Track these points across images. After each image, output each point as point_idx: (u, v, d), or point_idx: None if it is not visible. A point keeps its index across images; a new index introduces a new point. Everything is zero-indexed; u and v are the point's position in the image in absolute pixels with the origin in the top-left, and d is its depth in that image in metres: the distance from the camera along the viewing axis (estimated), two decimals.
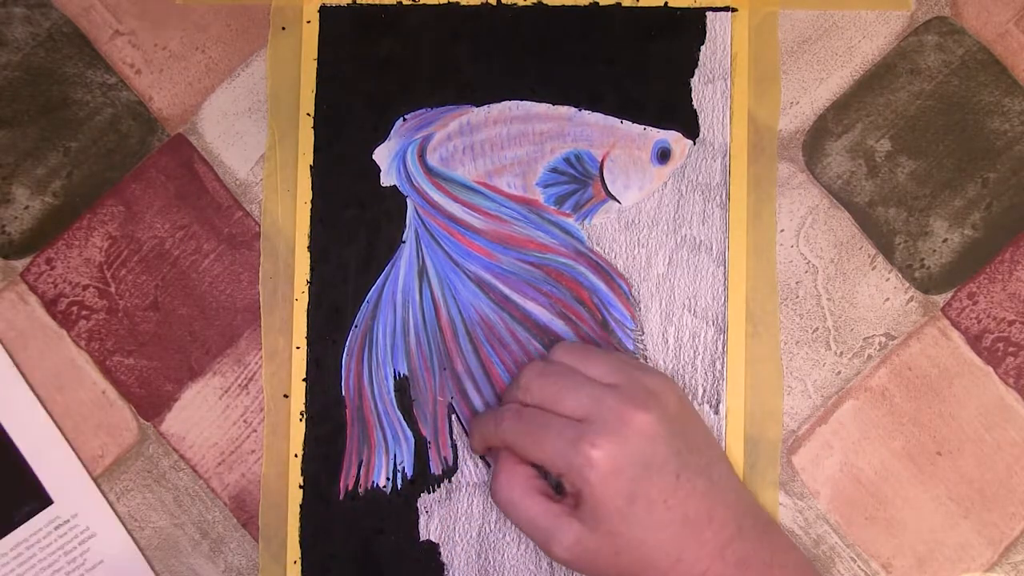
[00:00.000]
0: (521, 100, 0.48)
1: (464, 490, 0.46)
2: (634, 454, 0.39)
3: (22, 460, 0.47)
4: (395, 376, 0.47)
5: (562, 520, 0.39)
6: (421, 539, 0.46)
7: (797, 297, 0.47)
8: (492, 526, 0.46)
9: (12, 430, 0.47)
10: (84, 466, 0.48)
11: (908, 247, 0.47)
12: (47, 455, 0.47)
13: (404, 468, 0.47)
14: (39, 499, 0.47)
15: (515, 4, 0.48)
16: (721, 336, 0.47)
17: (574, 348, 0.43)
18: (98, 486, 0.48)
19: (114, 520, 0.47)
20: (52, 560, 0.47)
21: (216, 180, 0.49)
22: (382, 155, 0.48)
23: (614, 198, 0.47)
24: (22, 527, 0.47)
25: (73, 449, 0.48)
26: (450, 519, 0.46)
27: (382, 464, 0.47)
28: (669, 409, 0.41)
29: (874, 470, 0.46)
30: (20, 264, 0.49)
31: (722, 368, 0.47)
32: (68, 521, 0.47)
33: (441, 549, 0.46)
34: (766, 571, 0.40)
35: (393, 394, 0.47)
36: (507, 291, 0.47)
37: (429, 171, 0.48)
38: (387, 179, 0.48)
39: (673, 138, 0.47)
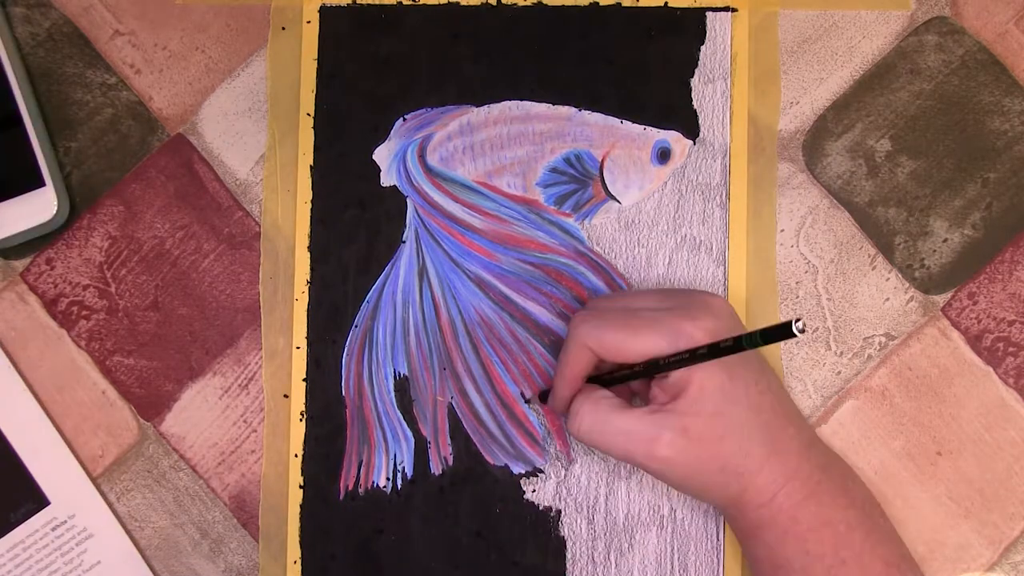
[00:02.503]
0: (521, 100, 0.48)
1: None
2: (723, 333, 0.39)
3: (19, 461, 0.47)
4: (395, 376, 0.47)
5: (662, 416, 0.39)
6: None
7: (797, 297, 0.47)
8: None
9: (9, 431, 0.47)
10: (82, 466, 0.48)
11: (908, 247, 0.47)
12: (44, 456, 0.47)
13: (404, 468, 0.47)
14: (36, 500, 0.47)
15: (515, 4, 0.48)
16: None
17: (610, 294, 0.43)
18: (97, 486, 0.48)
19: (112, 521, 0.47)
20: (49, 561, 0.47)
21: (216, 180, 0.49)
22: (382, 155, 0.48)
23: (614, 198, 0.47)
24: (19, 528, 0.47)
25: (71, 449, 0.48)
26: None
27: (382, 464, 0.47)
28: (731, 312, 0.42)
29: (874, 470, 0.46)
30: (20, 264, 0.49)
31: None
32: (65, 522, 0.47)
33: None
34: (841, 482, 0.41)
35: (393, 394, 0.47)
36: (507, 291, 0.47)
37: (429, 171, 0.48)
38: (387, 179, 0.48)
39: (673, 138, 0.47)
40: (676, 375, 0.39)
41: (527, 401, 0.47)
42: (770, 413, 0.40)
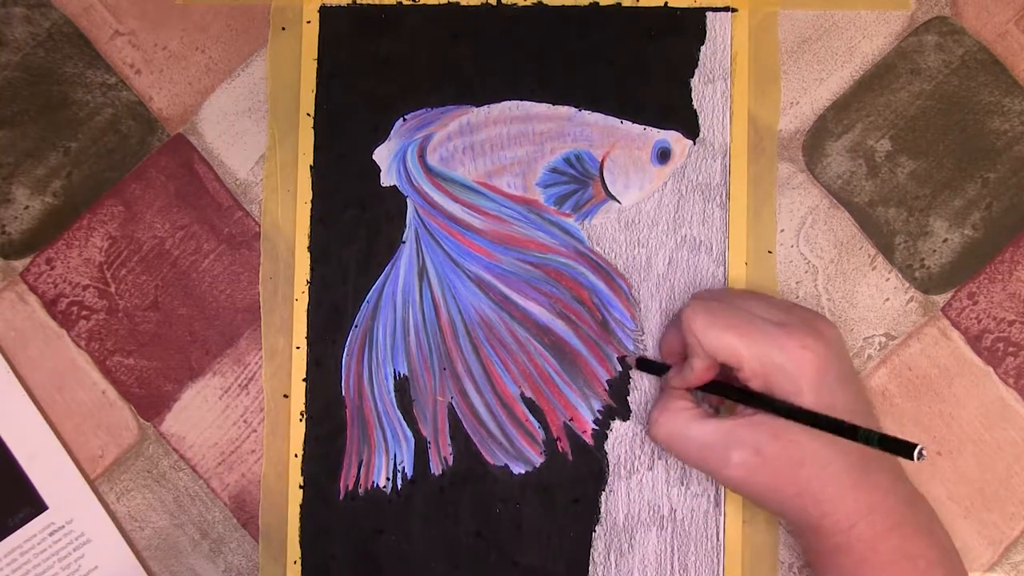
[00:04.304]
0: (521, 100, 0.48)
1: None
2: (833, 362, 0.39)
3: (17, 465, 0.47)
4: (395, 376, 0.47)
5: (739, 431, 0.39)
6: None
7: (797, 297, 0.47)
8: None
9: (7, 435, 0.47)
10: (80, 471, 0.48)
11: (908, 247, 0.47)
12: (42, 460, 0.47)
13: (404, 468, 0.47)
14: (33, 505, 0.47)
15: (515, 4, 0.48)
16: None
17: (724, 290, 0.44)
18: (94, 490, 0.48)
19: (109, 526, 0.47)
20: (47, 566, 0.47)
21: (216, 180, 0.49)
22: (382, 155, 0.48)
23: (614, 198, 0.47)
24: (16, 533, 0.47)
25: (69, 452, 0.48)
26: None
27: (382, 464, 0.47)
28: (842, 343, 0.41)
29: None
30: (20, 264, 0.49)
31: None
32: (63, 527, 0.47)
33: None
34: (926, 520, 0.40)
35: (393, 394, 0.47)
36: (507, 291, 0.47)
37: (429, 171, 0.48)
38: (387, 179, 0.48)
39: (673, 138, 0.47)
40: (763, 390, 0.39)
41: (628, 367, 0.46)
42: (859, 449, 0.38)
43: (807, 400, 0.38)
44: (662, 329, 0.47)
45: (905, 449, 0.34)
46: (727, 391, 0.41)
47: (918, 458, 0.33)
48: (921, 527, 0.39)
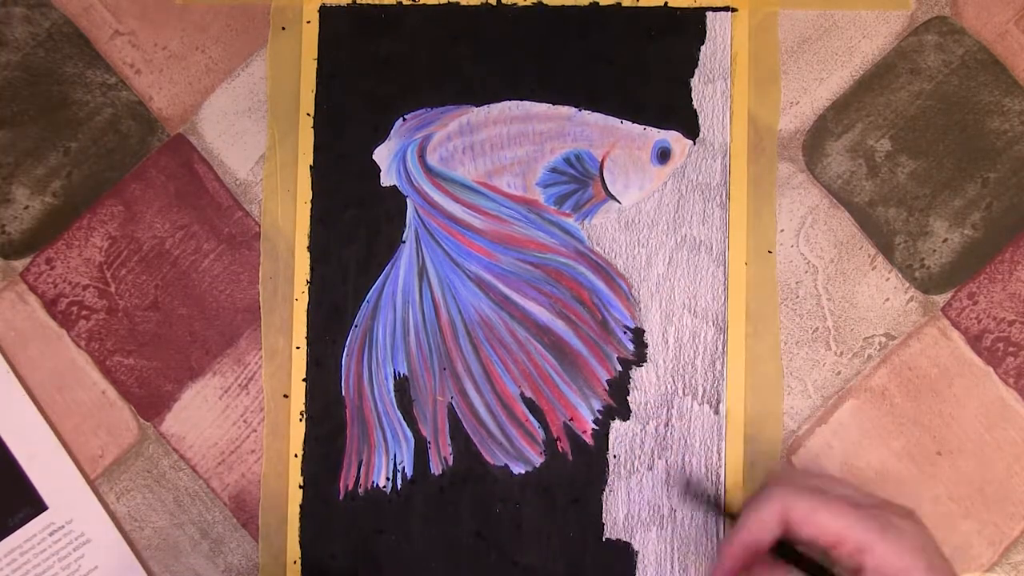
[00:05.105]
0: (521, 100, 0.48)
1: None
2: (930, 543, 0.37)
3: (17, 465, 0.47)
4: (395, 376, 0.47)
5: None
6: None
7: (797, 297, 0.47)
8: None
9: (7, 435, 0.47)
10: (80, 471, 0.48)
11: (908, 247, 0.47)
12: (42, 461, 0.47)
13: (404, 468, 0.47)
14: (33, 505, 0.47)
15: (515, 4, 0.48)
16: (721, 336, 0.47)
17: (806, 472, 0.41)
18: (94, 490, 0.48)
19: (109, 526, 0.47)
20: (47, 566, 0.47)
21: (216, 180, 0.49)
22: (382, 155, 0.48)
23: (614, 198, 0.47)
24: (16, 533, 0.47)
25: (69, 453, 0.48)
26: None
27: (382, 464, 0.47)
28: (927, 538, 0.39)
29: (874, 470, 0.46)
30: (20, 264, 0.49)
31: (722, 368, 0.47)
32: (63, 527, 0.47)
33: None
34: None
35: (393, 394, 0.47)
36: (507, 291, 0.47)
37: (429, 171, 0.48)
38: (387, 179, 0.48)
39: (673, 138, 0.47)
40: (896, 569, 0.37)
41: (687, 491, 0.46)
42: None
43: (920, 566, 0.36)
44: (662, 329, 0.47)
45: None
46: (808, 564, 0.39)
47: None
48: None
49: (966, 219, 0.47)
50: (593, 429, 0.47)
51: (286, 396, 0.47)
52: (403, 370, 0.47)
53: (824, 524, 0.37)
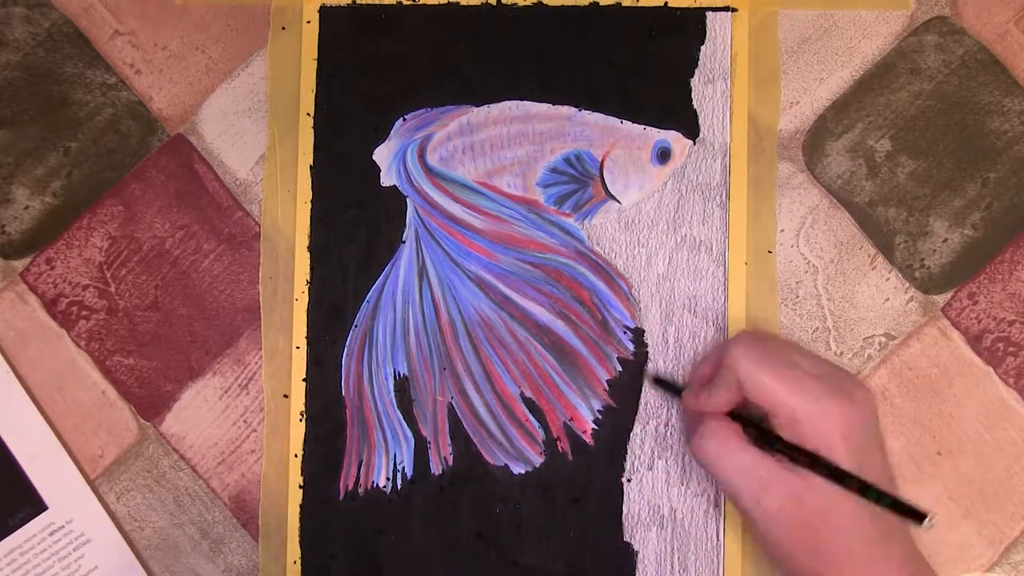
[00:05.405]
0: (521, 100, 0.48)
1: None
2: (867, 426, 0.39)
3: (17, 465, 0.47)
4: (395, 376, 0.47)
5: (782, 473, 0.39)
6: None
7: (797, 297, 0.47)
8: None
9: (7, 435, 0.47)
10: (79, 471, 0.48)
11: (908, 247, 0.47)
12: (41, 461, 0.47)
13: (404, 468, 0.47)
14: (33, 505, 0.47)
15: (515, 4, 0.48)
16: (721, 336, 0.47)
17: (774, 338, 0.43)
18: (94, 490, 0.48)
19: (109, 526, 0.47)
20: (47, 566, 0.47)
21: (216, 180, 0.49)
22: (382, 155, 0.48)
23: (614, 198, 0.47)
24: (16, 533, 0.47)
25: (69, 453, 0.48)
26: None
27: (382, 464, 0.47)
28: (874, 408, 0.41)
29: None
30: (20, 264, 0.49)
31: None
32: (63, 527, 0.47)
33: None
34: None
35: (393, 394, 0.47)
36: (507, 291, 0.47)
37: (429, 171, 0.48)
38: (387, 179, 0.48)
39: (673, 138, 0.47)
40: (816, 444, 0.39)
41: (654, 381, 0.46)
42: (881, 520, 0.39)
43: (839, 456, 0.38)
44: (662, 329, 0.47)
45: (915, 515, 0.36)
46: (751, 425, 0.41)
47: (927, 527, 0.35)
48: None
49: (966, 219, 0.47)
50: (593, 429, 0.47)
51: (286, 396, 0.47)
52: (403, 370, 0.47)
53: (765, 390, 0.39)
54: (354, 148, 0.48)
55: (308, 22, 0.49)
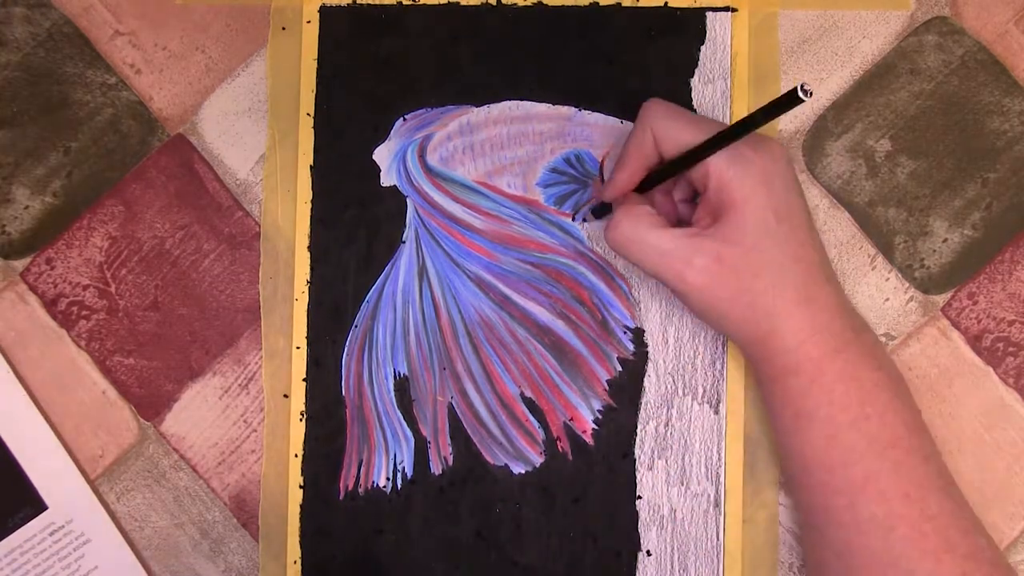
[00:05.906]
0: (521, 100, 0.48)
1: None
2: (784, 172, 0.40)
3: (17, 465, 0.47)
4: (395, 376, 0.47)
5: (699, 239, 0.39)
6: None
7: None
8: None
9: (7, 435, 0.47)
10: (80, 471, 0.48)
11: (908, 247, 0.47)
12: (42, 460, 0.47)
13: (404, 468, 0.47)
14: (33, 504, 0.47)
15: (515, 4, 0.48)
16: (721, 336, 0.47)
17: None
18: (94, 490, 0.48)
19: (109, 526, 0.47)
20: (47, 566, 0.47)
21: (216, 180, 0.49)
22: (382, 155, 0.48)
23: None
24: (16, 533, 0.47)
25: (69, 453, 0.48)
26: None
27: (382, 464, 0.47)
28: (789, 157, 0.42)
29: None
30: (20, 264, 0.49)
31: (722, 368, 0.47)
32: (63, 527, 0.47)
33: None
34: (871, 347, 0.41)
35: (393, 394, 0.47)
36: (507, 291, 0.47)
37: (429, 171, 0.48)
38: (387, 179, 0.48)
39: None
40: (721, 199, 0.39)
41: (592, 212, 0.47)
42: (809, 265, 0.40)
43: (760, 201, 0.39)
44: (662, 329, 0.47)
45: (791, 99, 0.34)
46: (663, 170, 0.41)
47: (807, 97, 0.33)
48: (866, 352, 0.40)
49: (966, 219, 0.47)
50: (593, 429, 0.47)
51: (286, 396, 0.47)
52: (403, 370, 0.47)
53: (680, 141, 0.40)
54: (354, 148, 0.48)
55: (308, 22, 0.49)
